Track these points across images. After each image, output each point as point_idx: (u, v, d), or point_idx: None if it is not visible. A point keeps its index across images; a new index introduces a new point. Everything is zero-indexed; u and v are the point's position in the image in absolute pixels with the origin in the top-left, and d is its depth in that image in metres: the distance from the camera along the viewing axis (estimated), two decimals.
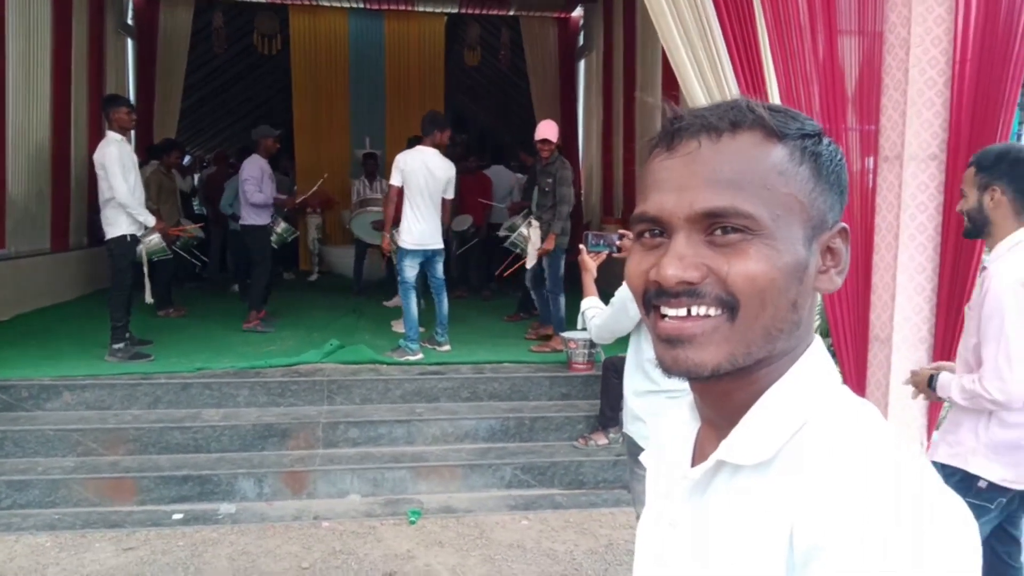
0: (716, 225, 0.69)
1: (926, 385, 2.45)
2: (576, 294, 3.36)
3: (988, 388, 2.23)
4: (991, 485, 2.28)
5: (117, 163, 5.22)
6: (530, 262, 5.93)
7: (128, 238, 5.38)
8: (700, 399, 0.79)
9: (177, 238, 6.41)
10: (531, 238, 5.89)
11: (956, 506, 0.61)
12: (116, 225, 5.34)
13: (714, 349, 0.69)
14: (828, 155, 0.73)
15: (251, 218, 6.59)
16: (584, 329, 3.01)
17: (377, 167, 9.10)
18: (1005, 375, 2.20)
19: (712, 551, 0.71)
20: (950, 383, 2.36)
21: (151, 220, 5.52)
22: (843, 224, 0.75)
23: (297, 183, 10.88)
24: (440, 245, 5.74)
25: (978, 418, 2.33)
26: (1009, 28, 3.33)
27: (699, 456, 0.79)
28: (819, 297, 0.77)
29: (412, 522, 4.13)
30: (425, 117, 5.76)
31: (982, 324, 2.28)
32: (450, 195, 5.79)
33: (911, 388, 2.54)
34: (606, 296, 2.89)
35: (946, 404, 2.58)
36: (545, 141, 5.82)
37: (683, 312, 0.70)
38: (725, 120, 0.71)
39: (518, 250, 6.05)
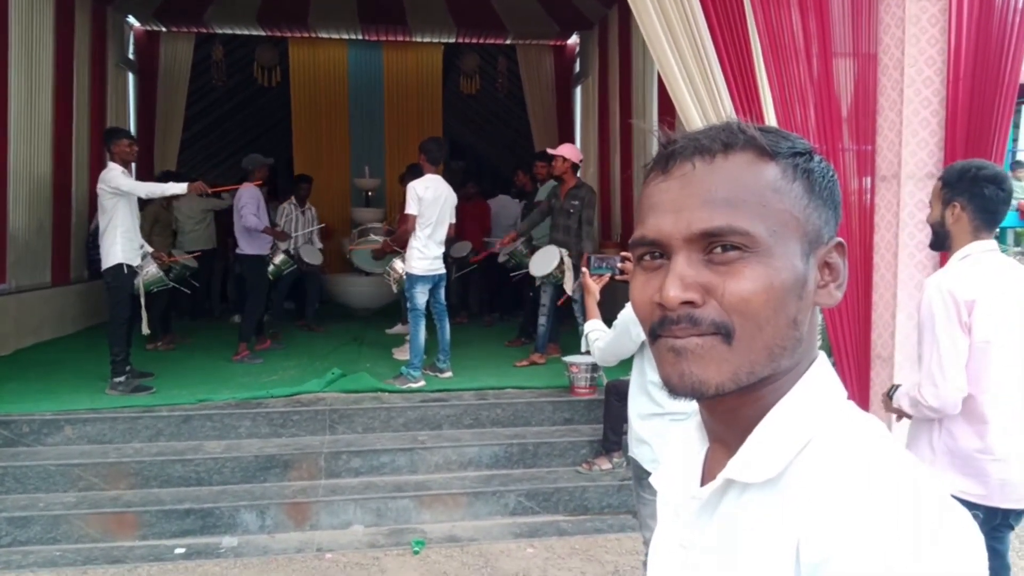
0: (714, 244, 0.69)
1: (887, 396, 2.49)
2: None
3: (925, 395, 2.27)
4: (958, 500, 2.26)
5: (124, 180, 5.29)
6: (569, 288, 5.97)
7: (125, 268, 5.37)
8: (708, 417, 0.79)
9: (171, 267, 6.39)
10: (567, 270, 5.97)
11: (961, 518, 0.62)
12: (111, 255, 5.34)
13: (716, 368, 0.69)
14: (820, 171, 0.74)
15: (249, 247, 6.59)
16: (587, 352, 3.01)
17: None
18: (938, 381, 2.24)
19: (722, 571, 0.71)
20: (902, 394, 2.40)
21: (181, 187, 5.60)
22: (839, 239, 0.76)
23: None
24: (444, 270, 5.80)
25: (931, 430, 2.36)
26: (1001, 47, 3.37)
27: (708, 476, 0.79)
28: (820, 317, 0.77)
29: (416, 552, 4.09)
30: (430, 143, 5.76)
31: (918, 333, 2.33)
32: (452, 219, 5.87)
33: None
34: (608, 319, 2.90)
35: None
36: (561, 158, 6.03)
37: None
38: (718, 142, 0.72)
39: (556, 281, 6.06)
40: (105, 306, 8.68)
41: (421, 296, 5.62)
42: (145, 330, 5.76)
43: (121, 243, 5.34)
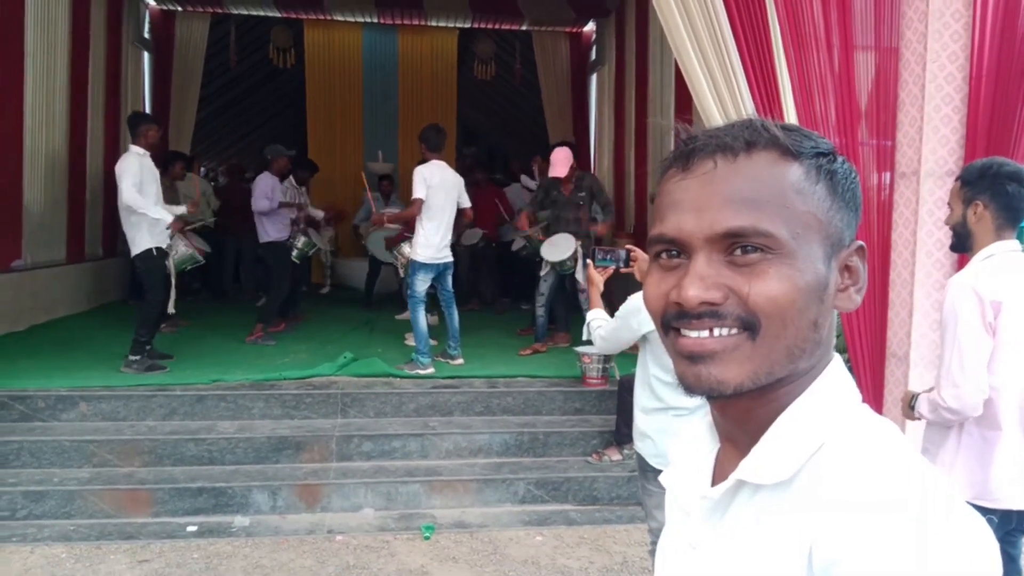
0: (736, 245, 0.69)
1: (908, 406, 2.45)
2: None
3: (944, 396, 2.22)
4: (972, 506, 2.25)
5: (131, 174, 5.28)
6: (580, 277, 6.00)
7: (154, 251, 5.41)
8: (720, 417, 0.79)
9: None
10: (579, 258, 5.99)
11: (974, 523, 0.62)
12: (139, 242, 5.39)
13: (736, 367, 0.69)
14: (843, 173, 0.73)
15: (270, 234, 6.66)
16: (588, 340, 3.06)
17: (393, 187, 9.15)
18: (959, 381, 2.20)
19: (732, 572, 0.71)
20: (923, 400, 2.36)
21: (167, 216, 5.45)
22: (860, 242, 0.75)
23: (311, 196, 10.97)
24: (451, 258, 5.77)
25: (947, 434, 2.33)
26: None
27: (719, 476, 0.79)
28: (836, 315, 0.77)
29: (426, 537, 4.12)
30: (428, 131, 5.68)
31: (941, 333, 2.29)
32: (466, 203, 5.82)
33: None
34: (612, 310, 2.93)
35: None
36: (572, 166, 6.09)
37: (705, 333, 0.70)
38: (740, 140, 0.71)
39: (567, 271, 6.09)
40: (118, 285, 8.80)
41: (421, 284, 5.56)
42: (171, 310, 5.75)
43: (147, 226, 5.37)
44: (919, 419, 2.41)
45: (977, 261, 2.31)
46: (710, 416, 0.82)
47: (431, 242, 5.54)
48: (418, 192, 5.48)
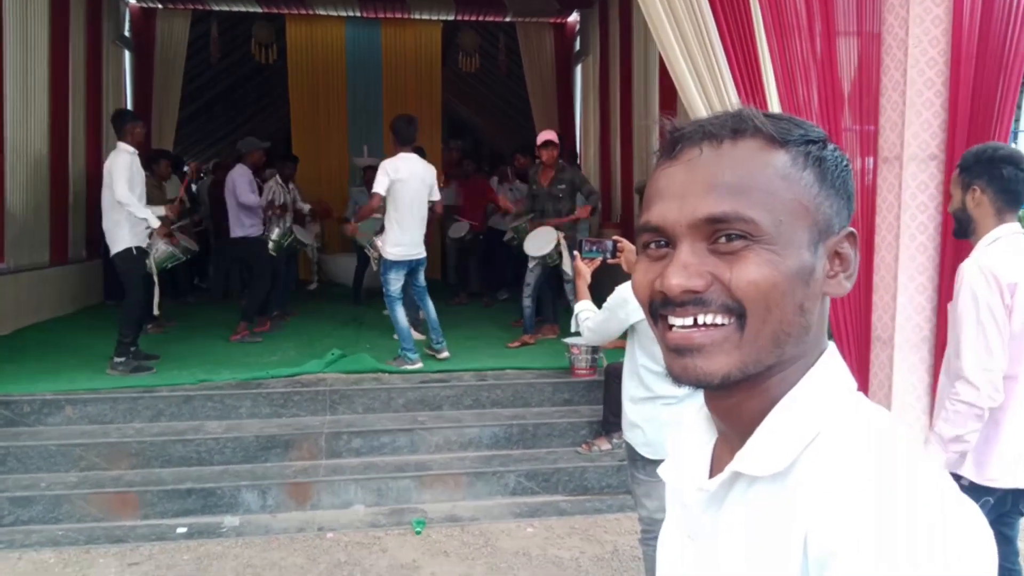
0: (720, 232, 0.68)
1: None
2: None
3: (976, 383, 2.19)
4: (973, 484, 2.28)
5: (125, 170, 5.23)
6: (568, 269, 5.99)
7: (134, 251, 5.35)
8: (713, 410, 0.78)
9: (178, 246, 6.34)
10: (564, 251, 5.98)
11: (972, 514, 0.61)
12: (119, 240, 5.33)
13: (724, 358, 0.69)
14: (833, 160, 0.73)
15: (242, 230, 6.58)
16: (577, 332, 3.06)
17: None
18: (988, 364, 2.20)
19: (729, 562, 0.71)
20: (939, 430, 2.29)
21: (154, 219, 5.35)
22: (851, 229, 0.74)
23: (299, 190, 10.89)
24: (424, 253, 5.68)
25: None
26: (1006, 28, 3.34)
27: (716, 468, 0.78)
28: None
29: (417, 532, 4.12)
30: (399, 122, 5.56)
31: (957, 319, 2.28)
32: (437, 196, 5.74)
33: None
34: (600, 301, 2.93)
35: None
36: (548, 143, 6.01)
37: (689, 321, 0.69)
38: (726, 128, 0.71)
39: (552, 262, 6.08)
40: (102, 286, 8.72)
41: (395, 282, 5.50)
42: (156, 311, 5.67)
43: (128, 225, 5.31)
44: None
45: (983, 245, 2.31)
46: (707, 408, 0.81)
47: (401, 239, 5.45)
48: (377, 187, 5.35)
